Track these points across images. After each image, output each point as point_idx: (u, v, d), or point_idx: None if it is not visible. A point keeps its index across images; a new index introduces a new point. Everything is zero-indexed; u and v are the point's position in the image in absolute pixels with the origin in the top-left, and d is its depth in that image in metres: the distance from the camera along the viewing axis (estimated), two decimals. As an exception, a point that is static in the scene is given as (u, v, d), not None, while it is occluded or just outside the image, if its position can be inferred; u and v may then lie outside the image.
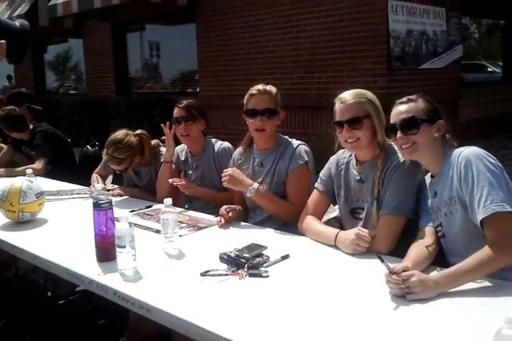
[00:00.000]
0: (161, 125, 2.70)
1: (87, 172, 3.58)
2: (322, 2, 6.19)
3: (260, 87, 2.37)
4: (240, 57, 7.30)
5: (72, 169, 4.01)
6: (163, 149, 2.89)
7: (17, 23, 0.90)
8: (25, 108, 4.26)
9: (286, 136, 2.45)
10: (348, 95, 1.97)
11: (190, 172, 2.81)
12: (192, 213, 2.51)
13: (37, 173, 3.57)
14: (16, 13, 10.94)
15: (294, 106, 6.44)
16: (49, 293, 2.91)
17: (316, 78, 6.36)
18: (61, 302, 2.99)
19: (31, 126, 4.02)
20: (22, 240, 2.20)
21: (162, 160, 2.80)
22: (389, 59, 5.83)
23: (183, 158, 2.87)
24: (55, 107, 10.39)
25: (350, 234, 1.85)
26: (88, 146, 4.24)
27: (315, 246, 1.98)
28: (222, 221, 2.27)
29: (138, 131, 2.91)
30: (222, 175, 2.32)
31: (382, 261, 1.52)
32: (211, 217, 2.40)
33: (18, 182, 2.42)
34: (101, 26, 9.93)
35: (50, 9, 9.79)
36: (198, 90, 8.32)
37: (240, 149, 2.56)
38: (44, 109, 10.43)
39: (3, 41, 0.78)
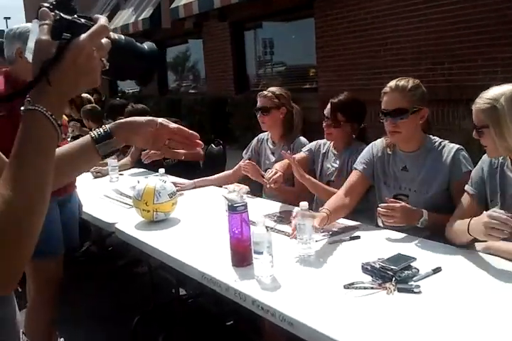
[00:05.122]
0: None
1: (210, 171, 3.60)
2: (451, -13, 5.75)
3: (393, 82, 2.14)
4: (362, 51, 7.02)
5: (196, 167, 4.06)
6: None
7: (145, 46, 0.85)
8: None
9: (436, 138, 2.18)
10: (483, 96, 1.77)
11: (328, 165, 2.71)
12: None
13: (197, 158, 3.82)
14: (140, 18, 11.54)
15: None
16: (179, 291, 2.94)
17: (446, 69, 5.92)
18: (190, 301, 3.01)
19: None
20: (157, 239, 2.22)
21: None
22: (532, 46, 5.26)
23: (323, 151, 2.75)
24: (178, 106, 10.81)
25: (482, 216, 1.61)
26: (212, 145, 4.28)
27: (469, 257, 1.75)
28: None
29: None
30: (384, 210, 1.96)
31: None
32: (345, 221, 2.26)
33: (152, 182, 2.46)
34: (220, 26, 10.12)
35: (172, 12, 10.15)
36: (316, 86, 8.18)
37: (381, 144, 2.32)
38: (167, 108, 10.98)
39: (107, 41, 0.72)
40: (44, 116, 0.73)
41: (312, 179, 2.54)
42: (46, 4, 0.74)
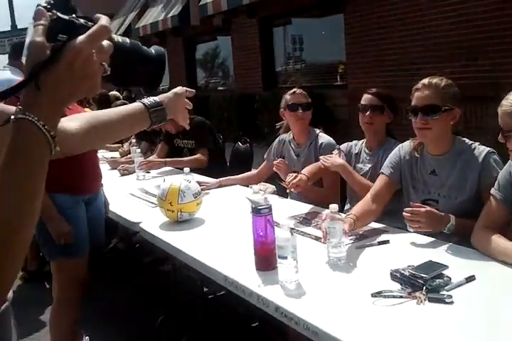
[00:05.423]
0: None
1: (237, 169, 3.56)
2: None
3: (427, 79, 2.05)
4: (392, 47, 6.88)
5: (223, 165, 4.01)
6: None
7: (152, 49, 0.81)
8: None
9: (466, 139, 2.08)
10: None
11: (360, 166, 2.63)
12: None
13: (200, 165, 3.64)
14: (169, 15, 11.58)
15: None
16: (204, 290, 2.91)
17: (479, 66, 5.75)
18: (215, 300, 2.98)
19: None
20: (181, 240, 2.20)
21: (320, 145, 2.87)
22: None
23: (356, 151, 2.68)
24: (206, 103, 10.82)
25: None
26: (239, 143, 4.23)
27: (505, 265, 1.65)
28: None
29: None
30: (408, 215, 1.87)
31: None
32: (373, 224, 2.19)
33: (177, 181, 2.43)
34: (248, 22, 10.07)
35: (201, 8, 10.15)
36: (345, 83, 8.07)
37: (408, 146, 2.23)
38: (195, 105, 10.99)
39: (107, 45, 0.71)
40: (35, 126, 0.64)
41: (347, 166, 2.49)
42: (44, 3, 0.68)
